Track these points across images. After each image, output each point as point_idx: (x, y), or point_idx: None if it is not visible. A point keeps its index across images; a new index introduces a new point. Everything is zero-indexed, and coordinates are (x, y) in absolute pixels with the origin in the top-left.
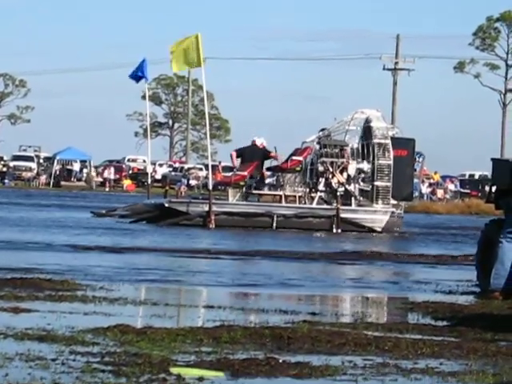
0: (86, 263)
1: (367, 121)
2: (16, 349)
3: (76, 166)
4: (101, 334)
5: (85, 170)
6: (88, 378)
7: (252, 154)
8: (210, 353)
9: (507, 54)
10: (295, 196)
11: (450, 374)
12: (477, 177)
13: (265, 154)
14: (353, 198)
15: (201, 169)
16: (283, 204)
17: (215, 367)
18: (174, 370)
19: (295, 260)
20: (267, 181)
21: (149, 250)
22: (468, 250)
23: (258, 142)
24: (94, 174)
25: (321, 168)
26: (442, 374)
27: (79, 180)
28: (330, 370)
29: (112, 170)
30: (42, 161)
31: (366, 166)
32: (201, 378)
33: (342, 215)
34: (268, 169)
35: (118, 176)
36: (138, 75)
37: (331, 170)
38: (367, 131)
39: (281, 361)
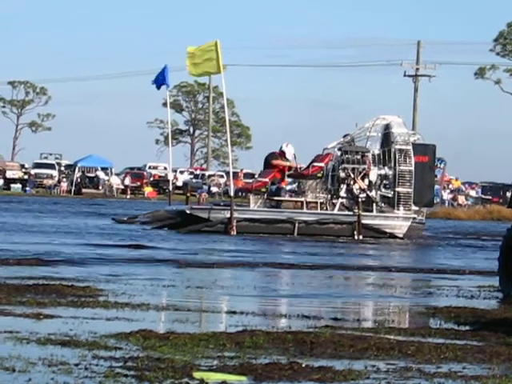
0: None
1: (387, 127)
2: (39, 354)
3: (101, 174)
4: (123, 339)
5: (106, 178)
6: (111, 382)
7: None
8: (232, 357)
9: None
10: (317, 202)
11: (473, 378)
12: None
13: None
14: (374, 204)
15: (222, 176)
16: (305, 210)
17: (238, 372)
18: (197, 375)
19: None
20: (288, 187)
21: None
22: (490, 256)
23: (286, 151)
24: (115, 181)
25: (342, 174)
26: (465, 378)
27: (96, 188)
28: (353, 375)
29: (128, 177)
30: (63, 168)
31: (387, 171)
32: (224, 383)
33: (364, 221)
34: (289, 175)
35: (139, 183)
36: (159, 81)
37: (352, 176)
38: (387, 138)
39: (304, 365)
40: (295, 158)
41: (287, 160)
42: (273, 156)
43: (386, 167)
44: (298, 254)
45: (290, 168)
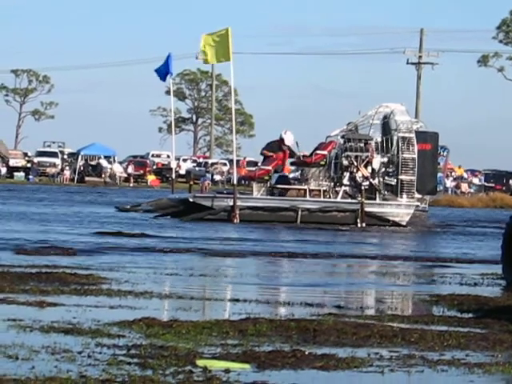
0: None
1: (385, 116)
2: (42, 342)
3: (104, 163)
4: (126, 327)
5: (109, 166)
6: (114, 370)
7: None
8: (235, 345)
9: None
10: (320, 190)
11: (477, 365)
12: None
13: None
14: (377, 192)
15: (225, 164)
16: (308, 198)
17: (241, 359)
18: (200, 363)
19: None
20: (291, 175)
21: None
22: (493, 244)
23: (285, 138)
24: (118, 169)
25: (345, 162)
26: (468, 366)
27: (99, 176)
28: (356, 362)
29: (131, 165)
30: (66, 156)
31: (389, 158)
32: (227, 370)
33: (367, 209)
34: (292, 163)
35: (142, 171)
36: (164, 71)
37: (356, 164)
38: (385, 126)
39: (307, 353)
40: (297, 145)
41: (285, 147)
42: (267, 145)
43: (387, 155)
44: (303, 242)
45: (286, 156)
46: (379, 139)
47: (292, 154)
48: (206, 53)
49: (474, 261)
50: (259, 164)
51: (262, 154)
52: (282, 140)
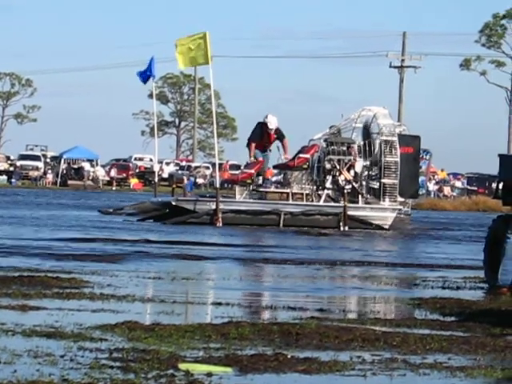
0: None
1: (366, 121)
2: (24, 345)
3: (87, 166)
4: (109, 331)
5: (91, 169)
6: (96, 373)
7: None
8: (218, 349)
9: None
10: (302, 194)
11: (459, 368)
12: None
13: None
14: (360, 196)
15: (207, 167)
16: (290, 202)
17: (223, 363)
18: (183, 366)
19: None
20: (274, 179)
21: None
22: (476, 247)
23: (268, 123)
24: (101, 172)
25: (328, 166)
26: (450, 369)
27: (82, 179)
28: (338, 366)
29: (114, 169)
30: (48, 160)
31: (367, 162)
32: (209, 374)
33: (350, 213)
34: (275, 167)
35: (125, 175)
36: (146, 74)
37: (338, 167)
38: (367, 130)
39: (289, 356)
40: (280, 132)
41: (270, 131)
42: (252, 133)
43: (369, 158)
44: (292, 248)
45: (272, 139)
46: (362, 143)
47: (280, 136)
48: (179, 57)
49: (455, 266)
50: (242, 168)
51: (248, 145)
52: (265, 125)
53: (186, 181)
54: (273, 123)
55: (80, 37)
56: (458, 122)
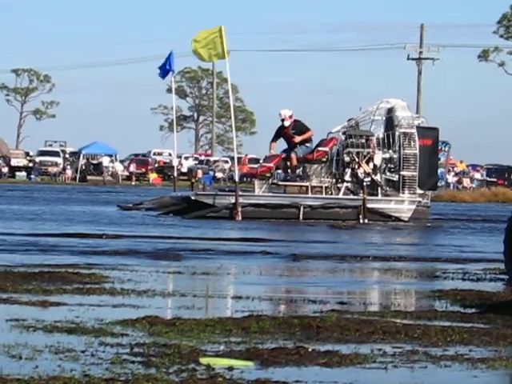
0: None
1: (389, 111)
2: (45, 341)
3: (106, 161)
4: (130, 326)
5: (110, 165)
6: (118, 369)
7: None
8: (239, 343)
9: None
10: (321, 187)
11: (480, 360)
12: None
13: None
14: (379, 188)
15: (226, 161)
16: (310, 195)
17: (244, 357)
18: (204, 361)
19: None
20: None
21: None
22: (496, 238)
23: (285, 123)
24: (119, 168)
25: (347, 158)
26: (471, 361)
27: (101, 175)
28: (359, 359)
29: (133, 164)
30: (67, 156)
31: (392, 154)
32: (230, 368)
33: (369, 205)
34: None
35: (144, 170)
36: (166, 69)
37: (357, 160)
38: (389, 122)
39: (310, 350)
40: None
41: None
42: (275, 133)
43: (390, 150)
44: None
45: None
46: (381, 135)
47: (297, 131)
48: (198, 52)
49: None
50: (261, 161)
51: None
52: (282, 120)
53: (200, 174)
54: (285, 118)
55: (98, 32)
56: (477, 114)
